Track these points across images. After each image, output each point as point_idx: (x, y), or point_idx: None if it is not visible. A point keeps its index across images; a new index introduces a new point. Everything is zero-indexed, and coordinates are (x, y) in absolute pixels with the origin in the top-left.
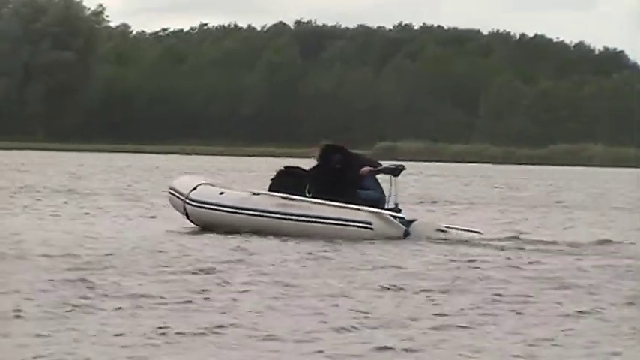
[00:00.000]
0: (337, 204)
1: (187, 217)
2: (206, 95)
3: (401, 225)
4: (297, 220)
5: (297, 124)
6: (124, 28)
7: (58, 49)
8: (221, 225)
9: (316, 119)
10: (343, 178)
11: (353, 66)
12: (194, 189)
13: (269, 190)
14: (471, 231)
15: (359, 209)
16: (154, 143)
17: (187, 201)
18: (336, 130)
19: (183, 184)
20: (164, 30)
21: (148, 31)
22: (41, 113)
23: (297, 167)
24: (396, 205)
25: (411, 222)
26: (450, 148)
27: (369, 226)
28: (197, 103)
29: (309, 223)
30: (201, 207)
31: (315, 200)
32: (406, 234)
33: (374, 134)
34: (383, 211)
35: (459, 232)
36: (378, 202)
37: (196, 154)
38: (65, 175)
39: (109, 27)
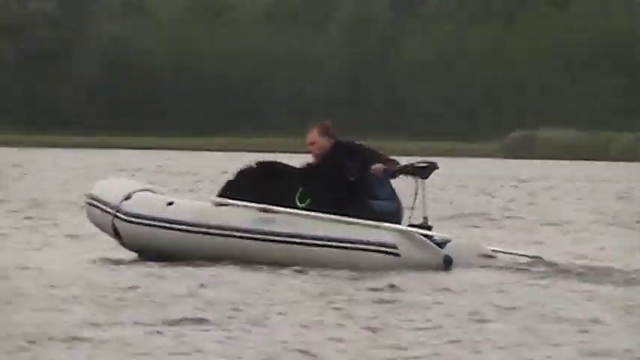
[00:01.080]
0: (345, 218)
1: (117, 238)
2: (257, 65)
3: (439, 249)
4: (287, 242)
5: (391, 106)
6: None
7: None
8: (170, 249)
9: (417, 99)
10: (354, 185)
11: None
12: (127, 197)
13: (221, 195)
14: (529, 256)
15: (379, 226)
16: (180, 134)
17: (118, 214)
18: (449, 113)
19: (111, 190)
20: None
21: None
22: (13, 92)
23: (278, 162)
24: (425, 219)
25: (443, 243)
26: (617, 139)
27: (393, 250)
28: (243, 75)
29: (304, 247)
30: (140, 223)
31: (312, 213)
32: (447, 261)
33: (503, 119)
34: (413, 229)
35: (514, 256)
36: (395, 216)
37: (239, 150)
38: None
39: None
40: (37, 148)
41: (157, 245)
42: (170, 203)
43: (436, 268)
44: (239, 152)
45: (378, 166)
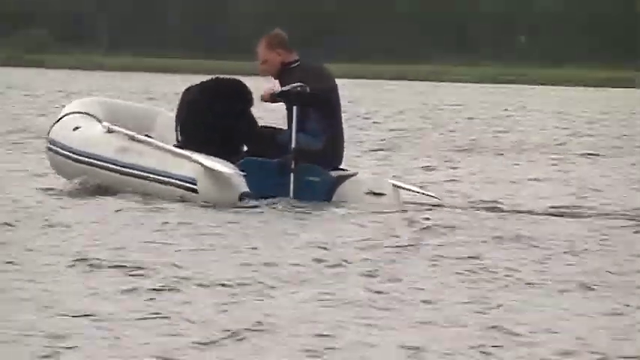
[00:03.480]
0: (167, 147)
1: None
2: None
3: (239, 185)
4: (121, 173)
5: None
6: None
7: None
8: (73, 178)
9: None
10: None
11: None
12: (58, 120)
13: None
14: (427, 195)
15: (187, 156)
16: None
17: (47, 139)
18: None
19: (60, 113)
20: None
21: None
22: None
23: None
24: (294, 152)
25: (347, 177)
26: None
27: (192, 185)
28: None
29: (132, 178)
30: (53, 149)
31: (152, 141)
32: (243, 199)
33: None
34: (218, 164)
35: (414, 193)
36: (315, 156)
37: None
38: None
39: None
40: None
41: (66, 173)
42: (76, 128)
43: (233, 205)
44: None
45: (265, 92)
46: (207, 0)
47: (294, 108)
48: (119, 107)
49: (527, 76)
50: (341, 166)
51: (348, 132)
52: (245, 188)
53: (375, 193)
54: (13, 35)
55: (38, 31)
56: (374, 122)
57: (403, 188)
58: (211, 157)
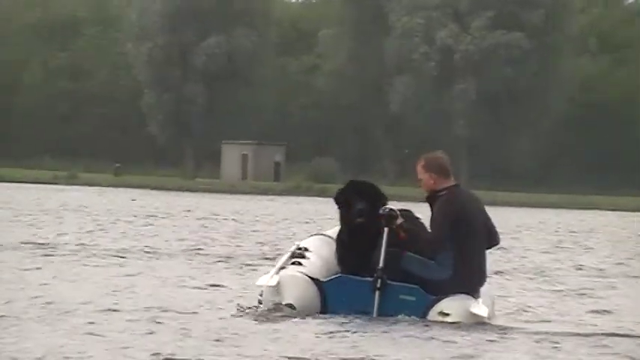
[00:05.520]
0: (284, 260)
1: None
2: None
3: (286, 295)
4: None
5: None
6: None
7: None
8: None
9: None
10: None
11: None
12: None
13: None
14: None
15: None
16: None
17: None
18: None
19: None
20: None
21: None
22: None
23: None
24: (380, 271)
25: (440, 298)
26: None
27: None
28: None
29: None
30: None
31: (284, 257)
32: (289, 308)
33: None
34: (276, 276)
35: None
36: (447, 284)
37: None
38: None
39: None
40: None
41: None
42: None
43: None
44: None
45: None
46: None
47: (385, 230)
48: None
49: None
50: (475, 294)
51: None
52: (292, 300)
53: (442, 313)
54: (306, 164)
55: (327, 160)
56: None
57: (480, 316)
58: (285, 271)
